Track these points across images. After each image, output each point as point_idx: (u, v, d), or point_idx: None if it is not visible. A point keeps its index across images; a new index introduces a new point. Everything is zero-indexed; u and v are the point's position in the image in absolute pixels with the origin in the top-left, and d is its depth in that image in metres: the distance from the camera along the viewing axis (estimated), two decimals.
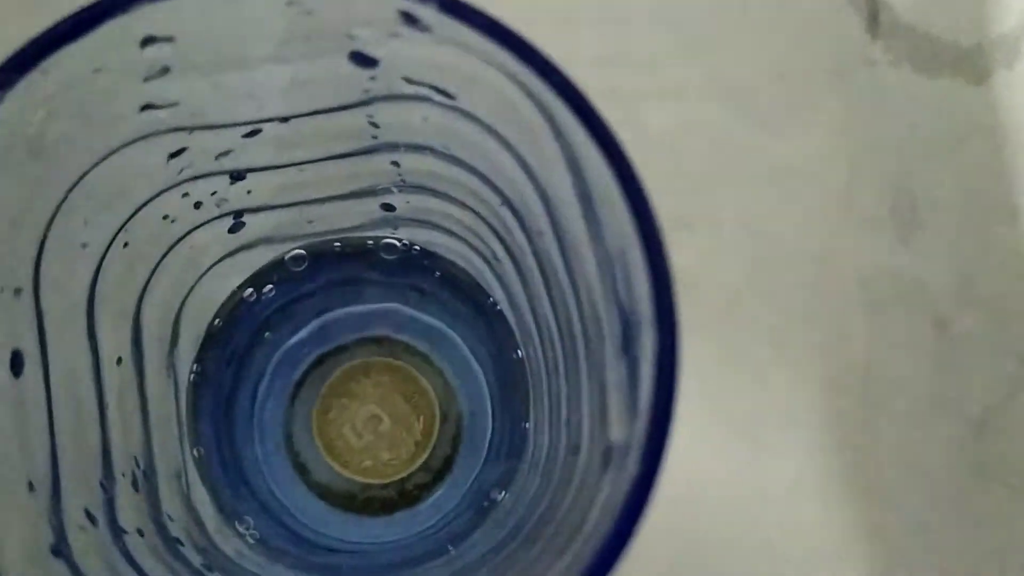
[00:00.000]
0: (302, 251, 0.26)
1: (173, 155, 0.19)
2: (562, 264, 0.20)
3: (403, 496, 0.27)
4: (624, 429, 0.17)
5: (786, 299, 0.32)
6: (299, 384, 0.27)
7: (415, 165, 0.22)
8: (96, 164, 0.18)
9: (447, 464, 0.27)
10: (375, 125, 0.20)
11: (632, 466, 0.15)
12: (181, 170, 0.20)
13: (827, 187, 0.31)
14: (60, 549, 0.17)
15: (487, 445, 0.27)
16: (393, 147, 0.21)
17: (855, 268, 0.31)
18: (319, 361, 0.27)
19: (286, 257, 0.26)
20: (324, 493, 0.27)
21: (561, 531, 0.18)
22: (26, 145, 0.15)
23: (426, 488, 0.27)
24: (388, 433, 0.27)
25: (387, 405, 0.27)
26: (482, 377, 0.27)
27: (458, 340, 0.27)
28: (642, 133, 0.31)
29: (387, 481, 0.27)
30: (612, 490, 0.16)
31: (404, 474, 0.27)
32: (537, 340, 0.24)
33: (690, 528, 0.29)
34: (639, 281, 0.16)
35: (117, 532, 0.20)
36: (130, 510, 0.20)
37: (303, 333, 0.27)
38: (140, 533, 0.20)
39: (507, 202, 0.20)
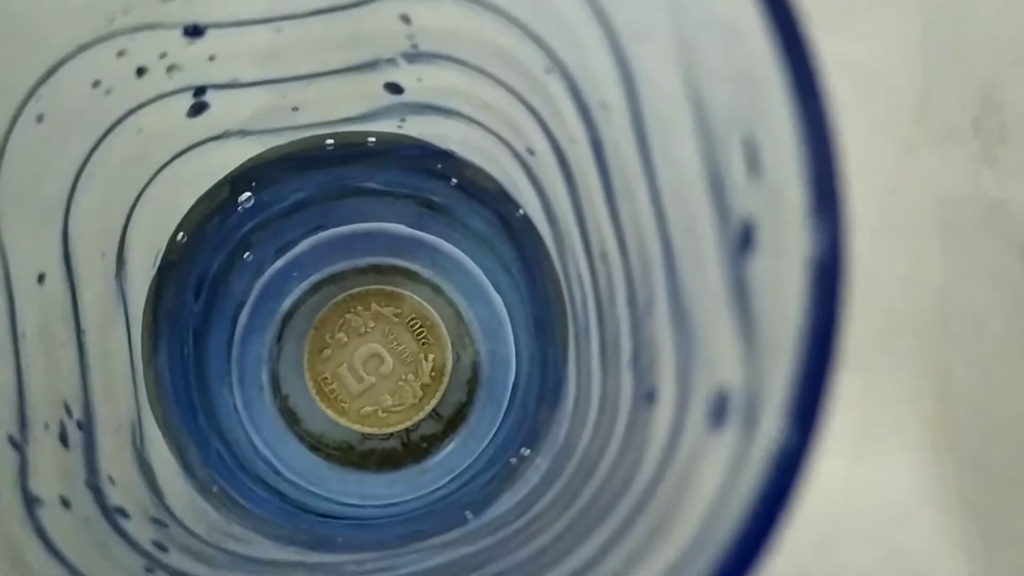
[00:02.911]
0: (288, 150, 0.21)
1: None
2: (636, 146, 0.14)
3: (408, 449, 0.24)
4: (743, 368, 0.11)
5: (853, 224, 0.27)
6: (287, 317, 0.23)
7: (432, 19, 0.16)
8: None
9: (460, 413, 0.24)
10: None
11: (772, 425, 0.09)
12: (113, 16, 0.14)
13: (900, 96, 0.27)
14: None
15: (510, 391, 0.23)
16: None
17: (932, 190, 0.27)
18: (312, 290, 0.23)
19: (268, 158, 0.21)
20: (316, 444, 0.23)
21: (638, 517, 0.12)
22: None
23: (435, 440, 0.24)
24: (391, 375, 0.23)
25: (390, 342, 0.23)
26: (503, 309, 0.24)
27: (474, 265, 0.24)
28: None
29: (390, 431, 0.23)
30: (733, 462, 0.10)
31: (409, 423, 0.24)
32: (583, 260, 0.18)
33: None
34: (780, 150, 0.10)
35: (28, 502, 0.14)
36: (51, 473, 0.15)
37: (292, 255, 0.23)
38: (64, 503, 0.15)
39: (557, 63, 0.14)
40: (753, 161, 0.11)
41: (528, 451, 0.21)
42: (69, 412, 0.17)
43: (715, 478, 0.10)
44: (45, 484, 0.15)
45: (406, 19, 0.17)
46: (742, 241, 0.11)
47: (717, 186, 0.12)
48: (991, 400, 0.27)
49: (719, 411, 0.11)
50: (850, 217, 0.10)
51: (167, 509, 0.18)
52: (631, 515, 0.13)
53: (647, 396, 0.14)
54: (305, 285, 0.23)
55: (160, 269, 0.21)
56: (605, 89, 0.14)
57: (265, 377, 0.23)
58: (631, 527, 0.12)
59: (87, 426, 0.17)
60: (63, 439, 0.16)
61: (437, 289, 0.24)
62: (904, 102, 0.27)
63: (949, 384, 0.27)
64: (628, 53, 0.13)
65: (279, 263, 0.23)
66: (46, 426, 0.16)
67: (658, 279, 0.14)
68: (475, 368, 0.24)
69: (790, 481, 0.09)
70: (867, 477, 0.27)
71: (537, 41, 0.15)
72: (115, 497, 0.16)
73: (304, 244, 0.23)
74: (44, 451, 0.16)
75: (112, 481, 0.17)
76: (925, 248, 0.27)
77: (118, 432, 0.18)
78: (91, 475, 0.16)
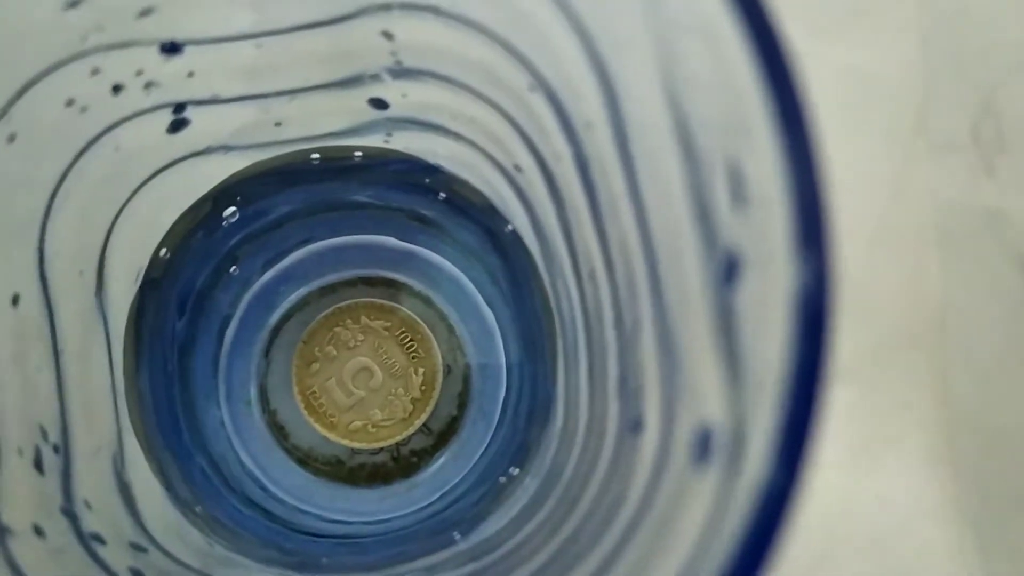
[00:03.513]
0: (272, 164, 0.21)
1: (72, 4, 0.12)
2: (620, 166, 0.13)
3: (398, 464, 0.23)
4: (727, 403, 0.10)
5: (851, 234, 0.26)
6: (275, 331, 0.23)
7: (414, 35, 0.15)
8: None
9: (451, 427, 0.23)
10: None
11: (757, 463, 0.09)
12: (86, 33, 0.13)
13: (899, 105, 0.27)
14: None
15: (500, 406, 0.23)
16: (384, 7, 0.14)
17: (931, 199, 0.27)
18: (300, 303, 0.23)
19: (252, 172, 0.21)
20: (305, 459, 0.23)
21: (623, 551, 0.11)
22: None
23: (426, 455, 0.23)
24: (381, 389, 0.23)
25: (380, 356, 0.23)
26: (494, 323, 0.23)
27: (464, 278, 0.23)
28: None
29: (379, 446, 0.23)
30: (718, 500, 0.10)
31: (399, 437, 0.23)
32: (571, 278, 0.17)
33: None
34: (763, 178, 0.10)
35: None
36: (24, 501, 0.14)
37: (279, 268, 0.23)
38: (37, 532, 0.14)
39: (540, 82, 0.14)
40: (738, 189, 0.11)
41: (517, 471, 0.20)
42: (45, 436, 0.16)
43: (700, 516, 0.10)
44: (17, 513, 0.15)
45: (388, 35, 0.16)
46: (727, 271, 0.11)
47: (702, 212, 0.12)
48: (990, 411, 0.26)
49: (703, 446, 0.11)
50: (837, 249, 0.10)
51: (146, 533, 0.17)
52: (615, 549, 0.12)
53: (633, 424, 0.14)
54: (293, 298, 0.23)
55: (142, 286, 0.21)
56: (588, 107, 0.14)
57: (253, 392, 0.23)
58: (615, 562, 0.12)
59: (64, 449, 0.17)
60: (38, 464, 0.16)
61: (427, 302, 0.23)
62: (903, 111, 0.27)
63: (948, 395, 0.27)
64: (610, 70, 0.13)
65: (266, 276, 0.23)
66: (20, 451, 0.15)
67: (644, 303, 0.14)
68: (466, 381, 0.23)
69: (776, 522, 0.09)
70: (865, 489, 0.26)
71: (519, 58, 0.15)
72: (91, 523, 0.16)
73: (292, 257, 0.23)
74: (17, 478, 0.15)
75: (88, 506, 0.16)
76: (924, 257, 0.27)
77: (96, 454, 0.18)
78: (67, 500, 0.16)
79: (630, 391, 0.14)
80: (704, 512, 0.10)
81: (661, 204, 0.13)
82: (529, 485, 0.19)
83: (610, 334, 0.16)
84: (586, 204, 0.16)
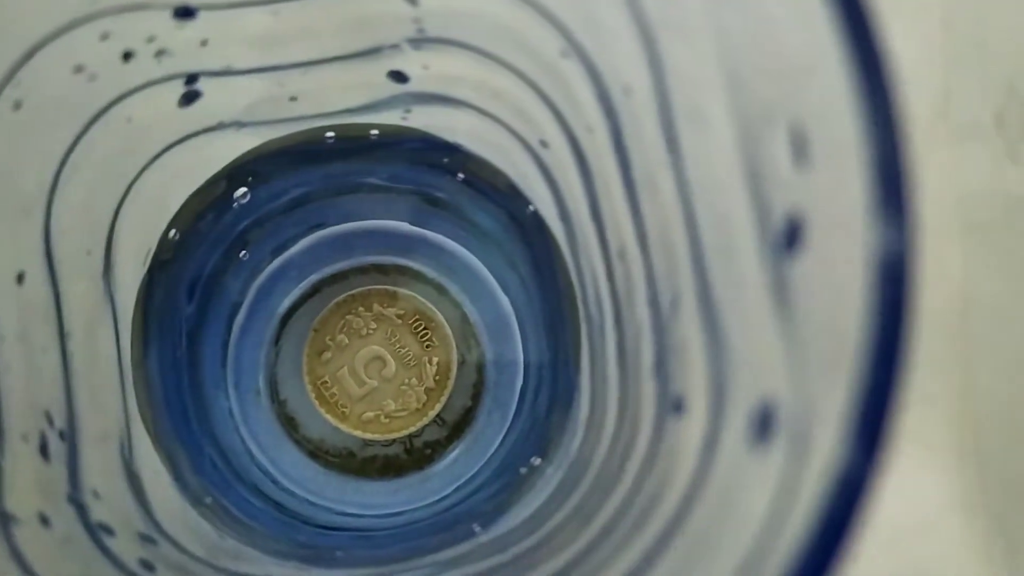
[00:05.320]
0: (286, 143, 0.20)
1: None
2: (661, 132, 0.12)
3: (411, 455, 0.23)
4: (790, 379, 0.10)
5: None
6: (286, 318, 0.22)
7: (439, 1, 0.14)
8: None
9: (465, 418, 0.22)
10: None
11: (830, 443, 0.08)
12: None
13: (921, 91, 0.26)
14: None
15: (517, 396, 0.22)
16: None
17: (954, 186, 0.26)
18: (311, 290, 0.22)
19: (265, 151, 0.20)
20: (315, 451, 0.22)
21: (672, 540, 0.11)
22: None
23: (439, 447, 0.23)
24: (394, 378, 0.22)
25: (392, 344, 0.22)
26: (510, 310, 0.22)
27: (479, 263, 0.23)
28: None
29: (392, 437, 0.22)
30: (783, 484, 0.09)
31: (413, 429, 0.22)
32: (599, 258, 0.17)
33: None
34: (835, 133, 0.09)
35: (3, 521, 0.12)
36: (29, 488, 0.13)
37: (290, 253, 0.22)
38: (43, 520, 0.13)
39: (574, 46, 0.13)
40: (800, 147, 0.10)
41: (539, 460, 0.20)
42: (51, 421, 0.15)
43: (761, 503, 0.09)
44: (22, 500, 0.14)
45: (412, 1, 0.16)
46: (787, 238, 0.10)
47: (756, 176, 0.11)
48: (1016, 403, 0.26)
49: (763, 425, 0.10)
50: (918, 209, 0.09)
51: (156, 524, 0.17)
52: (662, 538, 0.11)
53: (674, 406, 0.13)
54: (304, 285, 0.22)
55: (151, 268, 0.20)
56: (628, 72, 0.13)
57: (262, 381, 0.22)
58: (663, 552, 0.11)
59: (70, 436, 0.16)
60: (43, 451, 0.15)
61: (441, 289, 0.23)
62: (925, 97, 0.26)
63: (972, 385, 0.26)
64: (654, 24, 0.12)
65: (277, 262, 0.22)
66: (25, 437, 0.15)
67: (685, 278, 0.13)
68: (481, 371, 0.23)
69: (852, 510, 0.08)
70: (888, 483, 0.26)
71: (553, 21, 0.14)
72: (99, 512, 0.15)
73: (303, 242, 0.22)
74: (22, 464, 0.14)
75: (96, 495, 0.16)
76: (947, 246, 0.26)
77: (104, 442, 0.17)
78: (74, 489, 0.15)
79: (669, 372, 0.14)
80: (766, 499, 0.09)
81: (707, 169, 0.12)
82: (552, 475, 0.18)
83: (643, 313, 0.15)
84: (619, 177, 0.15)
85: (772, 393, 0.10)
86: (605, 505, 0.14)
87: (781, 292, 0.10)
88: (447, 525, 0.20)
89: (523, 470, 0.20)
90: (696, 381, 0.13)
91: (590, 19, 0.14)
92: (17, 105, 0.14)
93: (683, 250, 0.13)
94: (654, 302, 0.15)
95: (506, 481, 0.20)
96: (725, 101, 0.11)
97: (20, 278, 0.15)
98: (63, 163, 0.16)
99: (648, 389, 0.14)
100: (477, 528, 0.19)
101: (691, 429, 0.12)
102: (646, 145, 0.14)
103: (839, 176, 0.09)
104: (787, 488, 0.09)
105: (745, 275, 0.11)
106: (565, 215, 0.19)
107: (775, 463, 0.09)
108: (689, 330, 0.13)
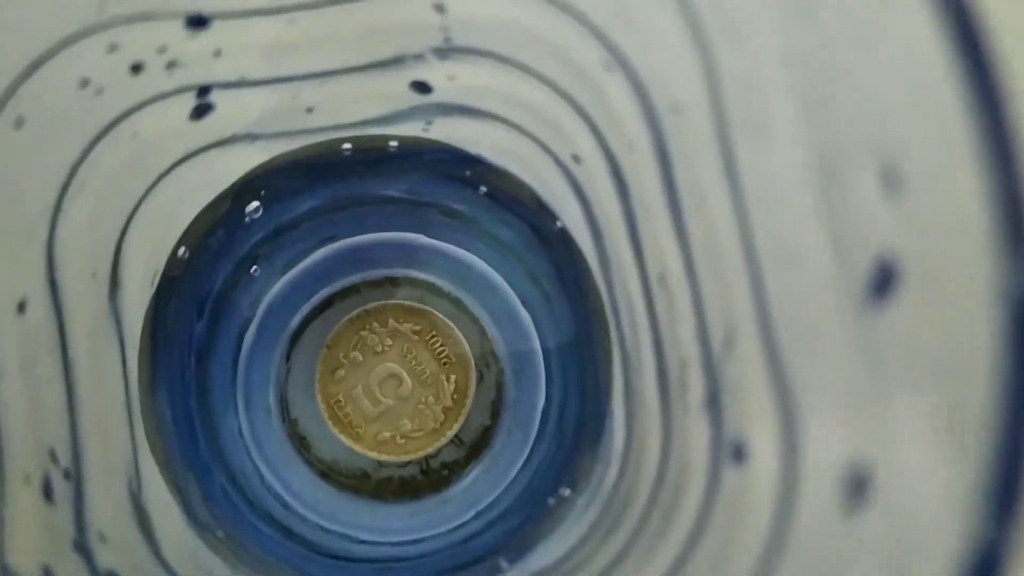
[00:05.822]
0: (299, 156, 0.20)
1: None
2: (717, 153, 0.11)
3: (428, 476, 0.22)
4: (887, 438, 0.09)
5: None
6: (297, 334, 0.22)
7: (470, 9, 0.13)
8: None
9: (484, 437, 0.22)
10: None
11: (948, 520, 0.07)
12: (103, 4, 0.12)
13: None
14: None
15: (539, 416, 0.21)
16: None
17: None
18: (323, 305, 0.22)
19: (278, 164, 0.20)
20: (328, 472, 0.22)
21: None
22: None
23: (457, 467, 0.22)
24: (410, 397, 0.22)
25: (409, 362, 0.22)
26: (531, 326, 0.22)
27: (499, 278, 0.22)
28: None
29: (408, 458, 0.22)
30: (889, 558, 0.08)
31: (431, 450, 0.22)
32: (636, 281, 0.16)
33: None
34: (940, 161, 0.08)
35: None
36: (31, 537, 0.12)
37: (302, 267, 0.22)
38: (48, 574, 0.12)
39: (620, 60, 0.12)
40: (893, 176, 0.09)
41: (568, 491, 0.19)
42: (55, 459, 0.15)
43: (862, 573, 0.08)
44: (25, 553, 0.13)
45: (440, 8, 0.15)
46: (878, 280, 0.09)
47: (835, 206, 0.10)
48: None
49: (858, 486, 0.09)
50: None
51: (165, 564, 0.16)
52: None
53: (733, 452, 0.12)
54: (316, 300, 0.22)
55: (159, 288, 0.19)
56: (679, 84, 0.12)
57: (273, 400, 0.22)
58: None
59: (76, 473, 0.15)
60: (47, 493, 0.14)
61: (458, 303, 0.22)
62: None
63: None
64: (717, 46, 0.11)
65: (288, 277, 0.22)
66: (27, 480, 0.14)
67: (742, 314, 0.12)
68: (500, 388, 0.22)
69: None
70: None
71: (597, 34, 0.13)
72: (107, 559, 0.14)
73: (315, 256, 0.22)
74: (24, 510, 0.13)
75: (104, 538, 0.15)
76: None
77: (111, 477, 0.16)
78: (80, 534, 0.14)
79: (723, 410, 0.13)
80: (869, 570, 0.08)
81: (770, 198, 0.11)
82: (583, 508, 0.17)
83: (690, 346, 0.14)
84: (663, 198, 0.14)
85: (861, 453, 0.09)
86: (656, 554, 0.13)
87: (869, 341, 0.09)
88: (470, 559, 0.19)
89: (551, 500, 0.19)
90: (759, 425, 0.12)
91: (636, 28, 0.13)
92: (19, 122, 0.13)
93: (739, 282, 0.12)
94: (702, 334, 0.14)
95: (532, 511, 0.19)
96: (797, 121, 0.10)
97: (22, 306, 0.15)
98: (67, 182, 0.15)
99: (698, 427, 0.14)
100: (504, 564, 0.18)
101: (760, 481, 0.11)
102: (696, 167, 0.13)
103: (945, 209, 0.08)
104: (895, 563, 0.08)
105: (819, 315, 0.10)
106: (597, 234, 0.18)
107: (874, 532, 0.08)
108: (748, 370, 0.12)
